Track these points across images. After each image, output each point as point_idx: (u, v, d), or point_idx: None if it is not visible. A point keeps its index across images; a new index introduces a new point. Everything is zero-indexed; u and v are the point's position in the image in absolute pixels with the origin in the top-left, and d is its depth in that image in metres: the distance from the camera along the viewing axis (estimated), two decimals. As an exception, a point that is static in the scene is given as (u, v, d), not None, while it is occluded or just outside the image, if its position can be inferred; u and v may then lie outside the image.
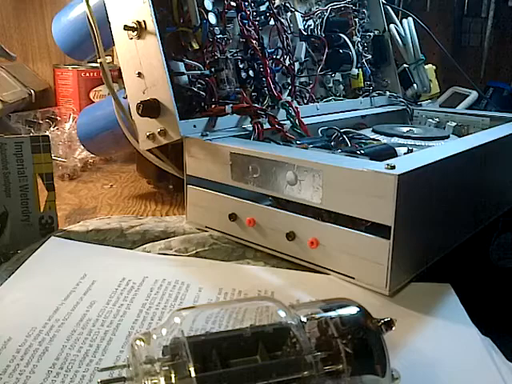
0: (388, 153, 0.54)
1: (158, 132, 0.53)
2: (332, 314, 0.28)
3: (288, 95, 0.68)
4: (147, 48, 0.52)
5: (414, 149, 0.57)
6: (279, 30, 0.67)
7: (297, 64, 0.71)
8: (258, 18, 0.65)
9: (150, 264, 0.47)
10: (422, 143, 0.61)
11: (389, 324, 0.28)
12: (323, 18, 0.74)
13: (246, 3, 0.62)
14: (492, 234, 0.68)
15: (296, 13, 0.72)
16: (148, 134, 0.54)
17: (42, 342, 0.35)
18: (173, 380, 0.24)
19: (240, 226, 0.50)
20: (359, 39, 0.81)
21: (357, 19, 0.81)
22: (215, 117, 0.55)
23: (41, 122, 0.96)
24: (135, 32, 0.52)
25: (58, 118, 0.97)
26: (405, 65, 0.85)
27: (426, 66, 0.88)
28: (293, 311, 0.28)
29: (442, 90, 1.07)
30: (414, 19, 0.85)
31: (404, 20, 0.85)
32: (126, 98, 0.56)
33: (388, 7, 0.85)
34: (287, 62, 0.68)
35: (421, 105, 0.84)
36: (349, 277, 0.44)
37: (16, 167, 0.50)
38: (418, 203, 0.42)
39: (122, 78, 0.55)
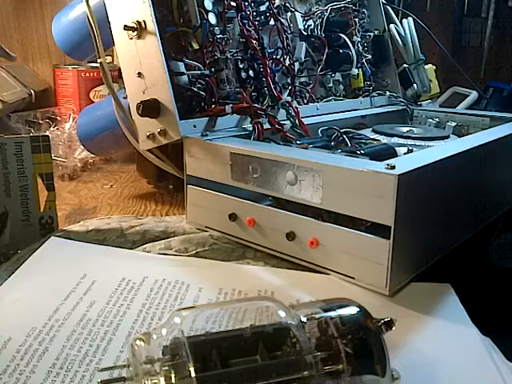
0: (388, 153, 0.54)
1: (158, 132, 0.53)
2: (332, 313, 0.28)
3: (288, 95, 0.68)
4: (147, 48, 0.52)
5: (414, 149, 0.57)
6: (279, 30, 0.67)
7: (297, 64, 0.71)
8: (258, 18, 0.65)
9: (149, 264, 0.47)
10: (422, 143, 0.61)
11: (389, 324, 0.28)
12: (323, 18, 0.75)
13: (246, 3, 0.62)
14: (492, 234, 0.68)
15: (296, 13, 0.72)
16: (148, 134, 0.54)
17: (42, 342, 0.35)
18: (173, 380, 0.24)
19: (240, 225, 0.50)
20: (359, 39, 0.81)
21: (357, 19, 0.81)
22: (215, 117, 0.55)
23: (41, 122, 0.96)
24: (135, 32, 0.52)
25: (58, 118, 0.97)
26: (405, 65, 0.85)
27: (426, 66, 0.88)
28: (293, 311, 0.28)
29: (442, 90, 1.07)
30: (414, 19, 0.85)
31: (404, 20, 0.85)
32: (126, 97, 0.56)
33: (388, 7, 0.85)
34: (287, 62, 0.68)
35: (421, 105, 0.84)
36: (349, 277, 0.44)
37: (16, 167, 0.50)
38: (418, 203, 0.42)
39: (122, 78, 0.55)
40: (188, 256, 0.49)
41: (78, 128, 0.72)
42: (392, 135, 0.63)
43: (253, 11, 0.64)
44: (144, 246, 0.51)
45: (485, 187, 0.56)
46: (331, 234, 0.44)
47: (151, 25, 0.51)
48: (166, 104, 0.52)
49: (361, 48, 0.80)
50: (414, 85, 0.85)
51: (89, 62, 0.98)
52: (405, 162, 0.42)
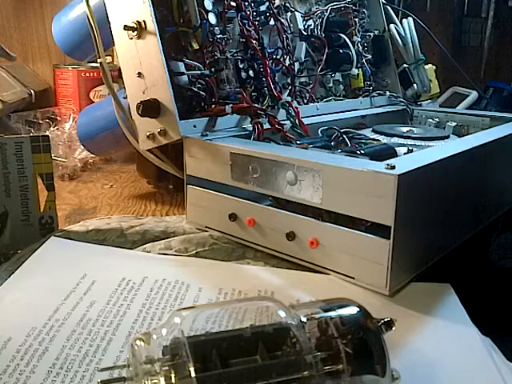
0: (388, 153, 0.54)
1: (158, 132, 0.53)
2: (332, 313, 0.28)
3: (288, 95, 0.68)
4: (147, 48, 0.52)
5: (414, 149, 0.57)
6: (279, 30, 0.67)
7: (297, 64, 0.71)
8: (258, 18, 0.65)
9: (150, 264, 0.47)
10: (422, 143, 0.61)
11: (389, 324, 0.28)
12: (323, 18, 0.75)
13: (246, 3, 0.62)
14: (492, 234, 0.68)
15: (296, 13, 0.72)
16: (148, 134, 0.54)
17: (42, 342, 0.35)
18: (173, 380, 0.24)
19: (240, 226, 0.50)
20: (359, 39, 0.81)
21: (357, 19, 0.81)
22: (215, 117, 0.55)
23: (41, 122, 0.96)
24: (135, 32, 0.52)
25: (58, 118, 0.97)
26: (405, 65, 0.85)
27: (426, 66, 0.88)
28: (293, 311, 0.28)
29: (441, 90, 1.07)
30: (414, 19, 0.85)
31: (404, 20, 0.85)
32: (126, 97, 0.56)
33: (388, 7, 0.85)
34: (287, 62, 0.68)
35: (421, 105, 0.84)
36: (349, 277, 0.44)
37: (16, 167, 0.50)
38: (418, 203, 0.42)
39: (122, 78, 0.55)
40: (188, 256, 0.49)
41: (77, 128, 0.72)
42: (392, 135, 0.63)
43: (253, 11, 0.64)
44: (144, 246, 0.51)
45: (485, 187, 0.56)
46: (331, 234, 0.44)
47: (151, 25, 0.51)
48: (166, 104, 0.52)
49: (361, 48, 0.80)
50: (414, 85, 0.85)
51: (89, 62, 0.98)
52: (405, 162, 0.42)
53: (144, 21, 0.52)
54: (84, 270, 0.45)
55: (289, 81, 0.69)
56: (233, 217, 0.50)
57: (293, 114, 0.60)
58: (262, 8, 0.65)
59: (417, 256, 0.45)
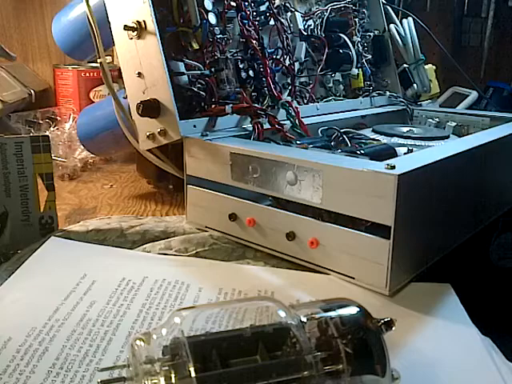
0: (388, 153, 0.54)
1: (158, 132, 0.53)
2: (332, 313, 0.28)
3: (288, 95, 0.68)
4: (147, 48, 0.52)
5: (414, 149, 0.57)
6: (279, 30, 0.67)
7: (297, 64, 0.71)
8: (258, 18, 0.65)
9: (150, 264, 0.47)
10: (422, 143, 0.61)
11: (389, 324, 0.28)
12: (323, 18, 0.75)
13: (246, 3, 0.62)
14: (492, 234, 0.68)
15: (296, 13, 0.72)
16: (148, 134, 0.54)
17: (42, 342, 0.35)
18: (173, 380, 0.24)
19: (240, 226, 0.50)
20: (359, 39, 0.81)
21: (357, 19, 0.81)
22: (215, 117, 0.55)
23: (41, 122, 0.96)
24: (135, 32, 0.52)
25: (58, 118, 0.97)
26: (405, 65, 0.85)
27: (426, 66, 0.88)
28: (293, 311, 0.28)
29: (441, 90, 1.07)
30: (414, 19, 0.85)
31: (404, 20, 0.85)
32: (126, 97, 0.56)
33: (388, 7, 0.85)
34: (287, 62, 0.68)
35: (421, 105, 0.84)
36: (349, 277, 0.44)
37: (16, 167, 0.50)
38: (418, 203, 0.42)
39: (122, 78, 0.55)
40: (188, 256, 0.49)
41: (78, 128, 0.72)
42: (392, 135, 0.63)
43: (253, 11, 0.64)
44: (144, 246, 0.51)
45: (485, 187, 0.56)
46: (331, 234, 0.44)
47: (151, 25, 0.51)
48: (166, 104, 0.52)
49: (361, 48, 0.80)
50: (414, 85, 0.85)
51: (89, 62, 0.98)
52: (405, 162, 0.42)
53: (144, 21, 0.52)
54: (84, 270, 0.45)
55: (289, 81, 0.69)
56: (233, 217, 0.50)
57: (293, 113, 0.60)
58: (262, 8, 0.65)
59: (417, 256, 0.45)
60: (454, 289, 0.43)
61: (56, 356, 0.33)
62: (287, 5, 0.71)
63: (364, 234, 0.42)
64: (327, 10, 0.75)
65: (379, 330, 0.27)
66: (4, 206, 0.51)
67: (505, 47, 1.29)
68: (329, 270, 0.45)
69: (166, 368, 0.24)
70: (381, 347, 0.27)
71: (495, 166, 0.57)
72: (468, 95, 1.09)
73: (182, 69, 0.55)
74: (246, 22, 0.62)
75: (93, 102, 0.97)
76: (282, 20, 0.68)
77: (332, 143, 0.58)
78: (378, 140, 0.62)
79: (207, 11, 0.57)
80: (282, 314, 0.28)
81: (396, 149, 0.55)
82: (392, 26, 0.84)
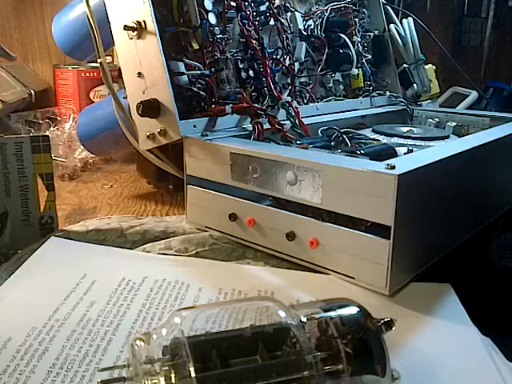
0: (388, 153, 0.54)
1: (158, 132, 0.53)
2: (332, 313, 0.28)
3: (288, 95, 0.68)
4: (147, 48, 0.52)
5: (414, 149, 0.57)
6: (279, 29, 0.67)
7: (297, 64, 0.71)
8: (258, 18, 0.65)
9: (150, 264, 0.47)
10: (422, 143, 0.61)
11: (389, 324, 0.28)
12: (323, 18, 0.75)
13: (246, 3, 0.62)
14: (492, 234, 0.68)
15: (296, 13, 0.72)
16: (148, 134, 0.54)
17: (42, 342, 0.35)
18: (173, 380, 0.24)
19: (240, 226, 0.50)
20: (359, 39, 0.81)
21: (357, 19, 0.81)
22: (215, 117, 0.55)
23: (41, 122, 0.96)
24: (135, 32, 0.52)
25: (58, 118, 0.97)
26: (405, 65, 0.85)
27: (426, 66, 0.88)
28: (293, 311, 0.28)
29: (441, 90, 1.07)
30: (414, 19, 0.85)
31: (404, 20, 0.85)
32: (126, 97, 0.56)
33: (388, 7, 0.85)
34: (287, 62, 0.68)
35: (421, 105, 0.84)
36: (349, 277, 0.44)
37: (16, 167, 0.50)
38: (418, 203, 0.42)
39: (122, 78, 0.55)
40: (188, 256, 0.49)
41: (78, 128, 0.72)
42: (392, 135, 0.63)
43: (253, 11, 0.64)
44: (144, 246, 0.51)
45: (485, 187, 0.56)
46: (331, 234, 0.44)
47: (151, 25, 0.51)
48: (166, 104, 0.52)
49: (361, 48, 0.80)
50: (414, 85, 0.85)
51: (89, 62, 0.98)
52: (405, 162, 0.42)
53: (144, 21, 0.52)
54: (84, 269, 0.45)
55: (289, 81, 0.69)
56: (233, 217, 0.50)
57: (293, 113, 0.60)
58: (262, 8, 0.65)
59: (417, 256, 0.45)
60: (454, 289, 0.43)
61: (56, 356, 0.33)
62: (287, 5, 0.71)
63: (364, 234, 0.42)
64: (327, 10, 0.75)
65: (379, 330, 0.27)
66: (4, 206, 0.51)
67: (505, 47, 1.29)
68: (329, 269, 0.45)
69: (166, 368, 0.24)
70: (381, 347, 0.27)
71: (495, 166, 0.57)
72: (468, 95, 1.09)
73: (182, 69, 0.55)
74: (246, 22, 0.62)
75: (93, 102, 0.97)
76: (282, 20, 0.68)
77: (332, 143, 0.58)
78: (378, 140, 0.62)
79: (207, 11, 0.57)
80: (282, 313, 0.28)
81: (396, 149, 0.55)
82: (392, 26, 0.84)
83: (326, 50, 0.73)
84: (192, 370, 0.24)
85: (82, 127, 0.72)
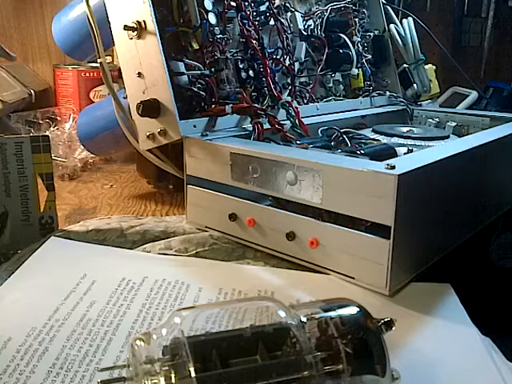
0: (388, 153, 0.54)
1: (158, 132, 0.53)
2: (332, 313, 0.28)
3: (288, 95, 0.68)
4: (147, 48, 0.52)
5: (414, 149, 0.57)
6: (279, 29, 0.67)
7: (297, 64, 0.71)
8: (257, 18, 0.65)
9: (150, 264, 0.47)
10: (422, 143, 0.61)
11: (389, 324, 0.28)
12: (323, 18, 0.75)
13: (246, 3, 0.62)
14: (492, 234, 0.68)
15: (296, 13, 0.72)
16: (148, 134, 0.54)
17: (42, 342, 0.35)
18: (173, 380, 0.24)
19: (240, 226, 0.50)
20: (359, 39, 0.81)
21: (357, 19, 0.81)
22: (215, 117, 0.55)
23: (41, 122, 0.96)
24: (135, 32, 0.52)
25: (58, 118, 0.97)
26: (405, 65, 0.85)
27: (426, 66, 0.88)
28: (293, 311, 0.28)
29: (442, 90, 1.07)
30: (414, 19, 0.85)
31: (404, 20, 0.85)
32: (126, 97, 0.56)
33: (388, 7, 0.85)
34: (287, 62, 0.68)
35: (421, 105, 0.84)
36: (349, 277, 0.44)
37: (16, 167, 0.50)
38: (418, 203, 0.42)
39: (122, 78, 0.55)
40: (188, 256, 0.49)
41: (78, 128, 0.72)
42: (392, 135, 0.63)
43: (253, 11, 0.64)
44: (144, 246, 0.51)
45: (485, 187, 0.56)
46: (331, 234, 0.44)
47: (151, 25, 0.51)
48: (166, 104, 0.52)
49: (361, 48, 0.80)
50: (414, 85, 0.85)
51: (89, 62, 0.98)
52: (405, 162, 0.42)
53: (144, 21, 0.52)
54: (84, 269, 0.45)
55: (289, 81, 0.69)
56: (233, 217, 0.50)
57: (293, 113, 0.60)
58: (262, 8, 0.65)
59: (417, 256, 0.45)
60: (454, 289, 0.43)
61: (56, 356, 0.34)
62: (287, 5, 0.71)
63: (364, 234, 0.42)
64: (327, 10, 0.75)
65: (379, 329, 0.27)
66: (4, 206, 0.51)
67: (505, 47, 1.29)
68: (329, 269, 0.45)
69: (166, 368, 0.24)
70: (381, 347, 0.27)
71: (495, 165, 0.57)
72: (468, 95, 1.09)
73: (182, 69, 0.55)
74: (246, 21, 0.62)
75: (93, 102, 0.97)
76: (282, 20, 0.68)
77: (332, 143, 0.58)
78: (378, 140, 0.62)
79: (207, 11, 0.57)
80: (282, 313, 0.28)
81: (396, 149, 0.55)
82: (392, 26, 0.84)
83: (326, 50, 0.73)
84: (192, 370, 0.24)
85: (82, 127, 0.72)
